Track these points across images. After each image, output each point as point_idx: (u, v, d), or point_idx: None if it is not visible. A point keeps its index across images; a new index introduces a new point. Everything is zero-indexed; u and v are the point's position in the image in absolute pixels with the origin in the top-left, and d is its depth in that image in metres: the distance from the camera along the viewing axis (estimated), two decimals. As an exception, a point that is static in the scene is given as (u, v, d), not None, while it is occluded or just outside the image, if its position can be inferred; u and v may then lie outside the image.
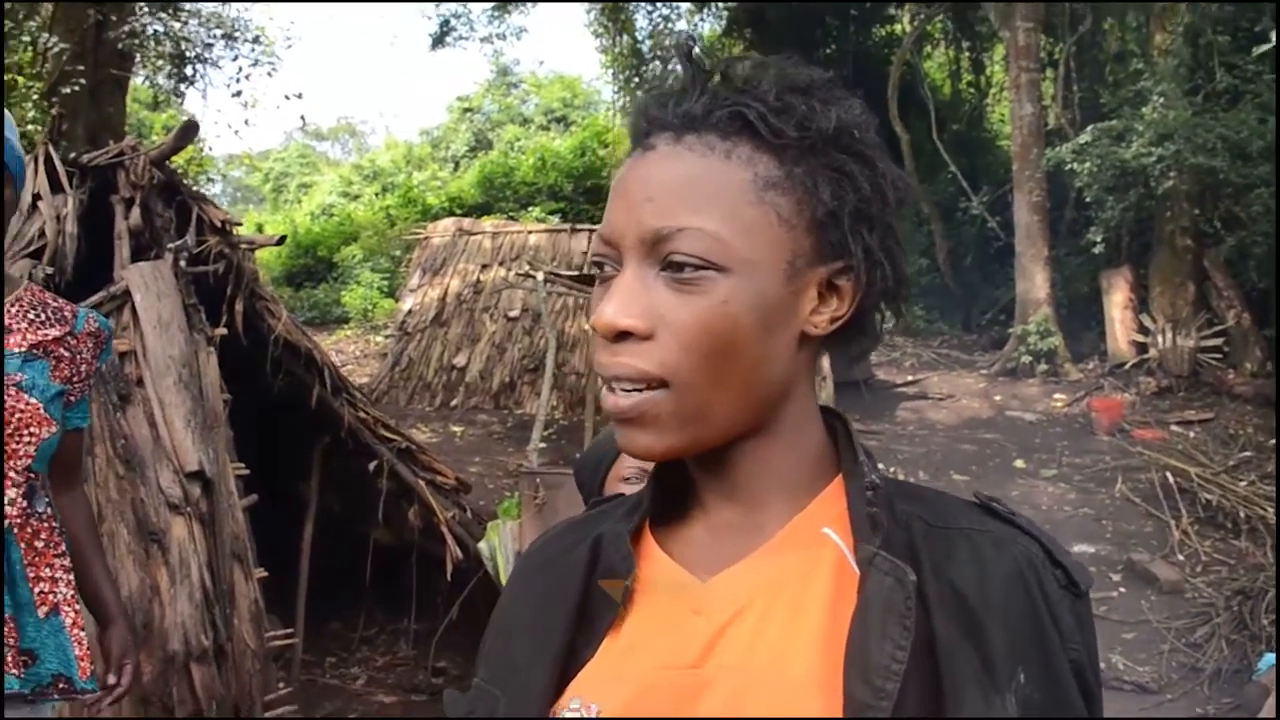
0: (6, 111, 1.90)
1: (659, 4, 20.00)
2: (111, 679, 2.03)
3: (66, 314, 2.04)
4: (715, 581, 0.77)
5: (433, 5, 25.98)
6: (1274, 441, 8.86)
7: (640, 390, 0.73)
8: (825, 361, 10.24)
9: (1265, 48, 5.58)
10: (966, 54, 19.05)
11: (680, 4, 20.27)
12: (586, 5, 20.53)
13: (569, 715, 0.76)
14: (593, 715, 0.75)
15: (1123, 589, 5.98)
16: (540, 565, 0.89)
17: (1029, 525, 0.78)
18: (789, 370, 0.78)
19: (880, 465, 0.81)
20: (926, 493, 0.81)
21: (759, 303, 0.74)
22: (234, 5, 11.49)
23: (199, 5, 10.96)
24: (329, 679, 5.81)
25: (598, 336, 0.75)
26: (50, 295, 2.07)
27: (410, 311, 12.60)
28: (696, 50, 0.80)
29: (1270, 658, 4.44)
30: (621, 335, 0.73)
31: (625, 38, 20.20)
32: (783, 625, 0.73)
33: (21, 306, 1.97)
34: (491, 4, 19.01)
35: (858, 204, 0.76)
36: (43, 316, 1.99)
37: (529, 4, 19.35)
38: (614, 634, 0.79)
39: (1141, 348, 11.83)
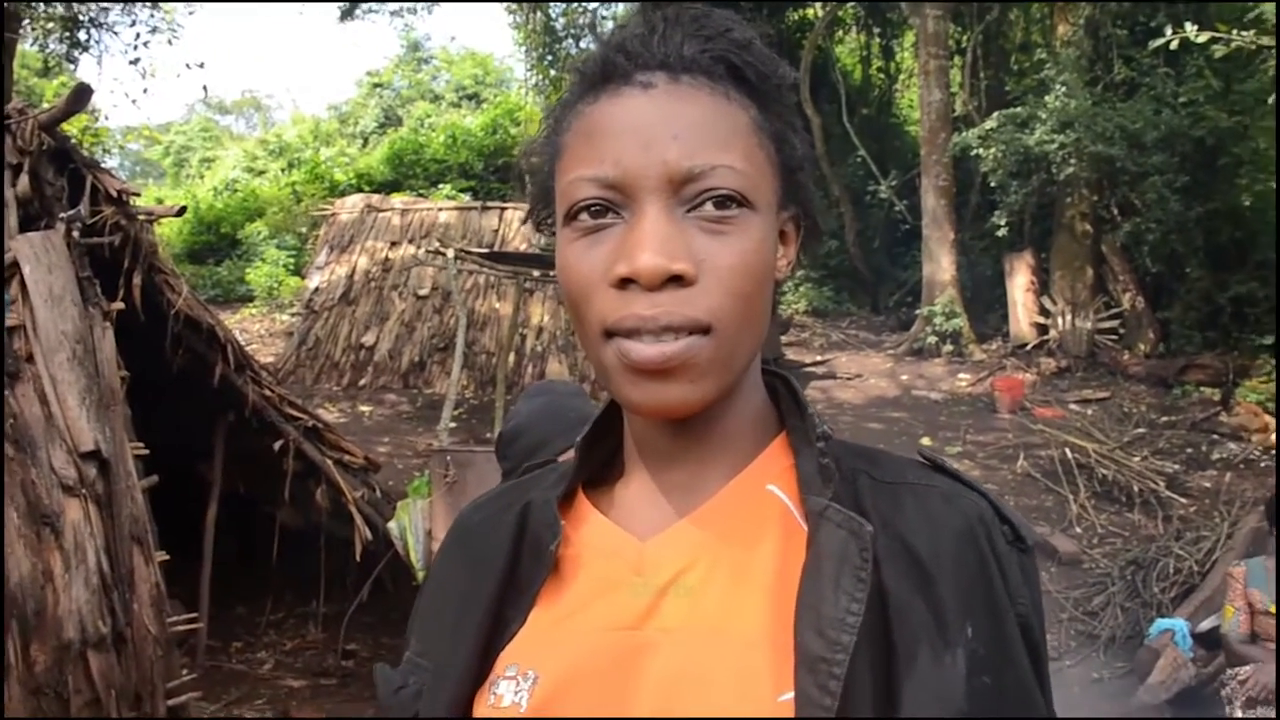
0: None
1: (573, -18, 19.80)
2: None
3: None
4: (655, 541, 0.75)
5: (341, -25, 25.34)
6: (1166, 419, 9.24)
7: (684, 337, 0.69)
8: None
9: (1159, 42, 5.78)
10: (877, 40, 19.31)
11: (594, -18, 20.12)
12: (499, -20, 20.21)
13: (505, 681, 0.74)
14: (530, 681, 0.73)
15: (1024, 562, 6.17)
16: (467, 534, 0.86)
17: (975, 482, 0.77)
18: (768, 313, 0.76)
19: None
20: (871, 450, 0.80)
21: (771, 243, 0.74)
22: (130, -32, 11.02)
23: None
24: (235, 664, 5.66)
25: (616, 287, 0.69)
26: None
27: (317, 289, 12.31)
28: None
29: (1161, 623, 4.63)
30: (665, 282, 0.68)
31: (539, 15, 19.98)
32: (726, 583, 0.71)
33: None
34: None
35: (804, 153, 0.78)
36: None
37: (440, -23, 18.99)
38: (548, 601, 0.77)
39: (1042, 329, 12.20)
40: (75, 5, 9.99)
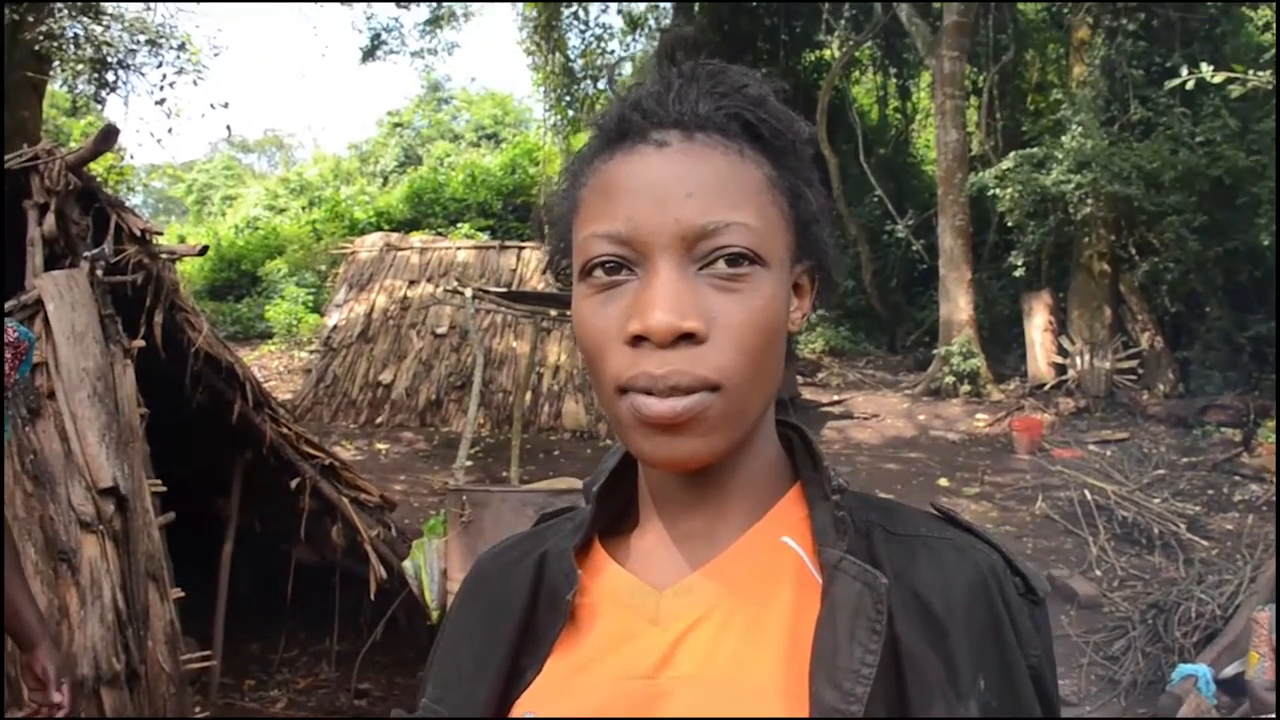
0: None
1: (592, 24, 20.06)
2: (56, 697, 1.93)
3: None
4: (671, 592, 0.76)
5: (364, 18, 25.76)
6: (1186, 460, 9.14)
7: (693, 394, 0.70)
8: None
9: (1175, 82, 5.80)
10: (894, 80, 19.45)
11: (613, 25, 20.36)
12: (519, 23, 20.51)
13: None
14: None
15: (1043, 605, 6.10)
16: (484, 581, 0.87)
17: (987, 534, 0.78)
18: (781, 365, 0.77)
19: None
20: (884, 501, 0.81)
21: (784, 298, 0.75)
22: (159, 9, 11.21)
23: (122, 8, 10.68)
24: (248, 702, 5.64)
25: (629, 344, 0.71)
26: None
27: (336, 327, 12.39)
28: (679, 54, 0.79)
29: (1184, 669, 4.55)
30: (677, 340, 0.69)
31: (558, 56, 20.22)
32: (742, 633, 0.72)
33: None
34: (424, 19, 18.90)
35: (820, 206, 0.79)
36: None
37: (461, 19, 19.28)
38: (565, 649, 0.78)
39: (1061, 369, 12.14)
40: (104, 47, 10.18)
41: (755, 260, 0.71)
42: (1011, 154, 12.16)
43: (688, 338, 0.69)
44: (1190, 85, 5.76)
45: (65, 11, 9.50)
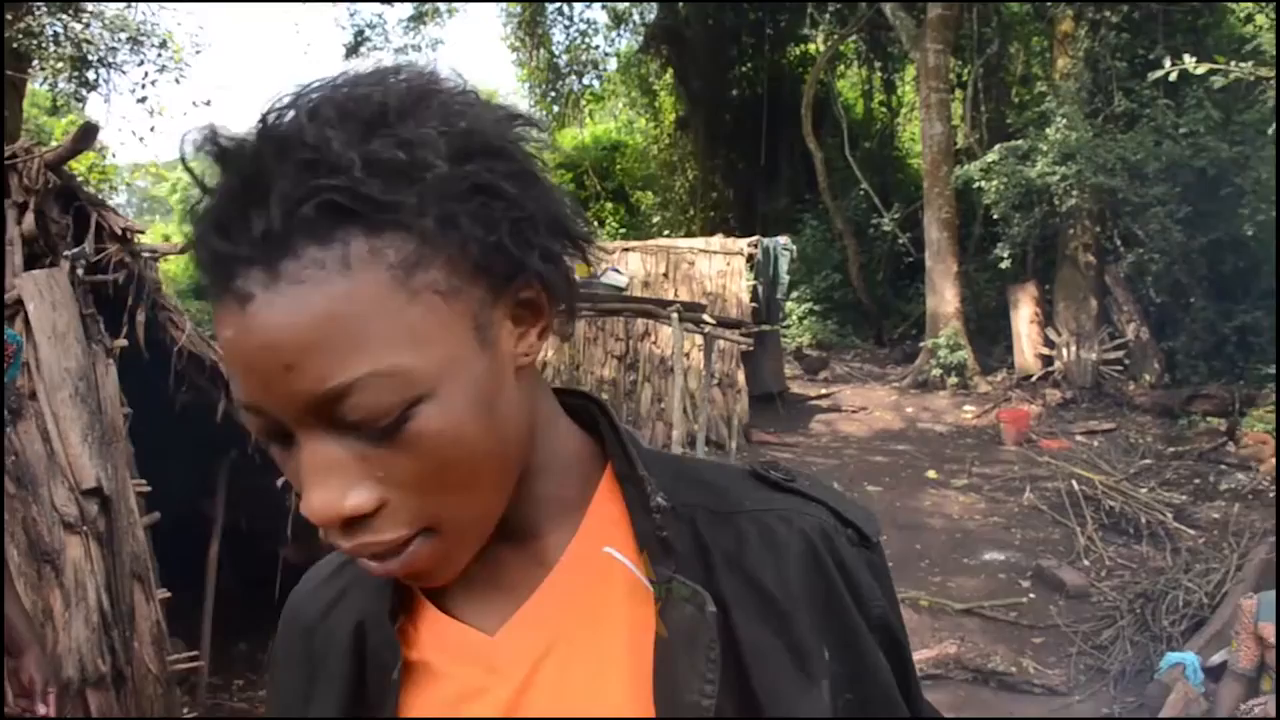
0: None
1: (576, 20, 20.03)
2: (41, 709, 1.91)
3: None
4: (504, 632, 0.70)
5: (348, 15, 25.66)
6: (1173, 449, 9.19)
7: (404, 549, 0.62)
8: (740, 375, 10.36)
9: (1158, 74, 5.82)
10: (879, 74, 19.48)
11: (597, 20, 20.34)
12: (504, 19, 20.47)
13: None
14: None
15: (1032, 594, 6.11)
16: (305, 634, 0.78)
17: (810, 488, 0.75)
18: (524, 414, 0.67)
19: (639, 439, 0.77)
20: (700, 471, 0.76)
21: (474, 395, 0.61)
22: (140, 8, 11.14)
23: (102, 7, 10.60)
24: (236, 702, 5.62)
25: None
26: None
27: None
28: (223, 139, 0.60)
29: (1171, 657, 4.58)
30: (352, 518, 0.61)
31: (542, 52, 20.20)
32: (585, 666, 0.68)
33: None
34: (408, 15, 18.85)
35: (512, 212, 0.62)
36: None
37: (445, 15, 19.22)
38: (407, 713, 0.71)
39: (1047, 360, 12.19)
40: (85, 45, 10.11)
41: (412, 402, 0.59)
42: (996, 146, 12.20)
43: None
44: (1173, 77, 5.78)
45: (44, 9, 9.43)
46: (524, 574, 0.71)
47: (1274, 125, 8.40)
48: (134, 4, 11.14)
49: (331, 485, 0.59)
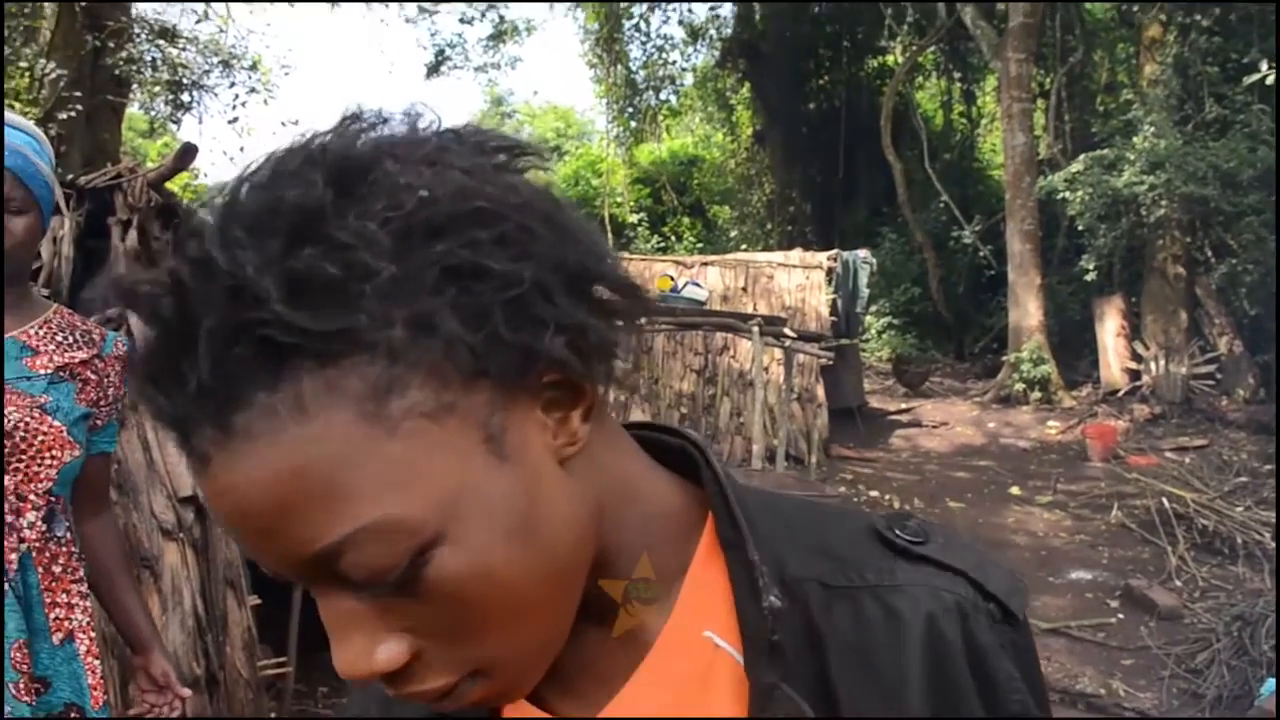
0: (44, 138, 1.89)
1: (653, 36, 20.18)
2: (186, 692, 2.00)
3: (95, 336, 2.01)
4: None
5: (429, 35, 26.20)
6: (1270, 467, 8.87)
7: (454, 691, 0.54)
8: (820, 389, 10.28)
9: (1254, 78, 5.66)
10: (958, 85, 19.24)
11: (674, 36, 20.46)
12: (581, 35, 20.71)
13: None
14: None
15: (1121, 615, 5.95)
16: (380, 701, 0.68)
17: (945, 553, 0.63)
18: (585, 505, 0.57)
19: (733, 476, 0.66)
20: (815, 523, 0.65)
21: (498, 523, 0.52)
22: (231, 33, 11.56)
23: (196, 32, 11.01)
24: (321, 709, 5.73)
25: None
26: (79, 318, 2.04)
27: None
28: (130, 281, 0.52)
29: (1272, 683, 4.41)
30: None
31: (619, 68, 20.36)
32: None
33: (50, 328, 1.95)
34: (487, 34, 19.21)
35: (506, 291, 0.50)
36: (71, 339, 1.97)
37: (524, 33, 19.52)
38: None
39: (1134, 375, 11.87)
40: (180, 70, 10.52)
41: (420, 551, 0.50)
42: (1081, 156, 11.96)
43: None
44: (1269, 80, 5.61)
45: (144, 37, 9.83)
46: (616, 658, 0.62)
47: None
48: (226, 28, 11.55)
49: (356, 642, 0.52)
